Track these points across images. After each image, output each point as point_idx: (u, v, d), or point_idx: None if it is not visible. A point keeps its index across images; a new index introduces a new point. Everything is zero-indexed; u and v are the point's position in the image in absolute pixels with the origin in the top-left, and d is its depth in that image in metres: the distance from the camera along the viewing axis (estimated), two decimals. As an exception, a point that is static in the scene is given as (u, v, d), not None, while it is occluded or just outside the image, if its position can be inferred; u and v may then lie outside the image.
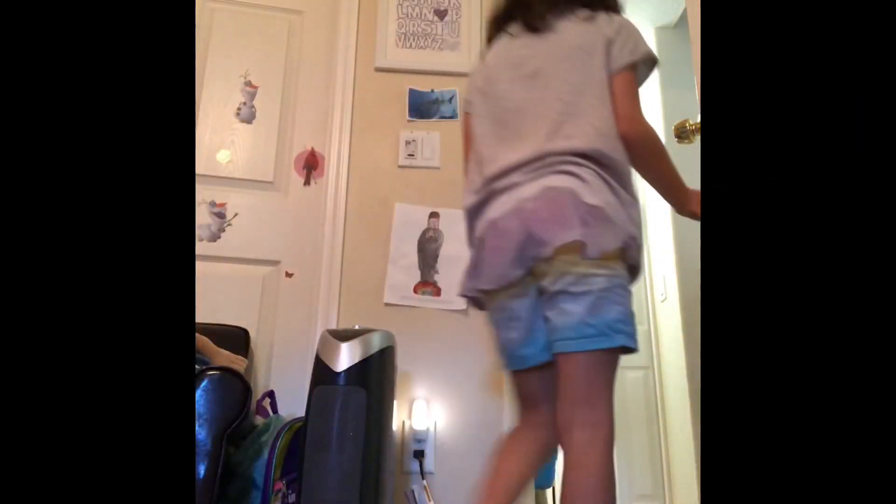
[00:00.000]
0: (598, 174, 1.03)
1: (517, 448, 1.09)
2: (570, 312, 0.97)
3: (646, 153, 1.11)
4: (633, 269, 1.06)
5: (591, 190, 1.00)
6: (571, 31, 1.16)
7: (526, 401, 1.12)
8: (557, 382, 1.00)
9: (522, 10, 1.22)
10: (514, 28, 1.22)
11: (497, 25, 1.27)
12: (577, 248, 0.97)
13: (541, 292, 1.02)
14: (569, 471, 0.96)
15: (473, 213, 1.13)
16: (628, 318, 1.00)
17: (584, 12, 1.17)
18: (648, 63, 1.16)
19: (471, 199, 1.12)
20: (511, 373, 1.13)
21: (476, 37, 2.10)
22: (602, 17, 1.16)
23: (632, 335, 1.00)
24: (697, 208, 1.11)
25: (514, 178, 1.06)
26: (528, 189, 1.03)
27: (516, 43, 1.21)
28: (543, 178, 1.03)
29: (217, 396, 1.28)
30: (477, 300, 1.14)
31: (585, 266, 0.97)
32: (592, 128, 1.05)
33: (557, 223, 0.98)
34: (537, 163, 1.05)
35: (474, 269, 1.10)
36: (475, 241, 1.12)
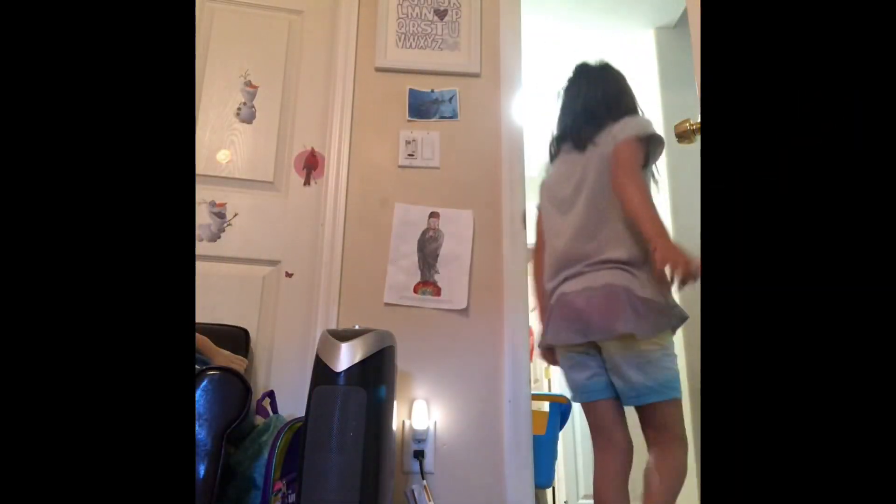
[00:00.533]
0: (644, 271, 1.36)
1: (607, 472, 1.42)
2: (633, 380, 1.33)
3: (625, 209, 1.38)
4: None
5: (642, 284, 1.33)
6: (603, 142, 1.49)
7: (596, 428, 1.47)
8: (642, 422, 1.40)
9: (571, 133, 1.60)
10: (567, 146, 1.61)
11: (557, 143, 1.67)
12: (632, 335, 1.30)
13: (602, 352, 1.39)
14: (650, 475, 1.36)
15: (550, 293, 1.50)
16: (677, 378, 1.36)
17: (613, 124, 1.50)
18: (654, 141, 1.49)
19: (549, 285, 1.51)
20: (583, 405, 1.49)
21: (476, 37, 2.10)
22: (620, 121, 1.49)
23: (679, 390, 1.37)
24: (659, 262, 1.27)
25: (580, 268, 1.41)
26: (592, 279, 1.38)
27: (568, 158, 1.59)
28: (603, 271, 1.37)
29: (217, 396, 1.28)
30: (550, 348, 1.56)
31: (640, 344, 1.31)
32: (627, 242, 1.38)
33: (615, 316, 1.31)
34: (596, 261, 1.39)
35: (545, 329, 1.51)
36: (548, 308, 1.51)
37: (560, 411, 2.15)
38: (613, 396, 1.40)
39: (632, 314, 1.29)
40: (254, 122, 2.03)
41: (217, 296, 1.82)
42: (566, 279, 1.43)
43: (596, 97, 1.58)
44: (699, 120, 1.54)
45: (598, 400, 1.42)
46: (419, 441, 1.68)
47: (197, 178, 1.83)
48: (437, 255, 1.87)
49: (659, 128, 2.97)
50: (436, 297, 1.83)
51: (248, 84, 2.06)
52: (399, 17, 2.11)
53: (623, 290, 1.32)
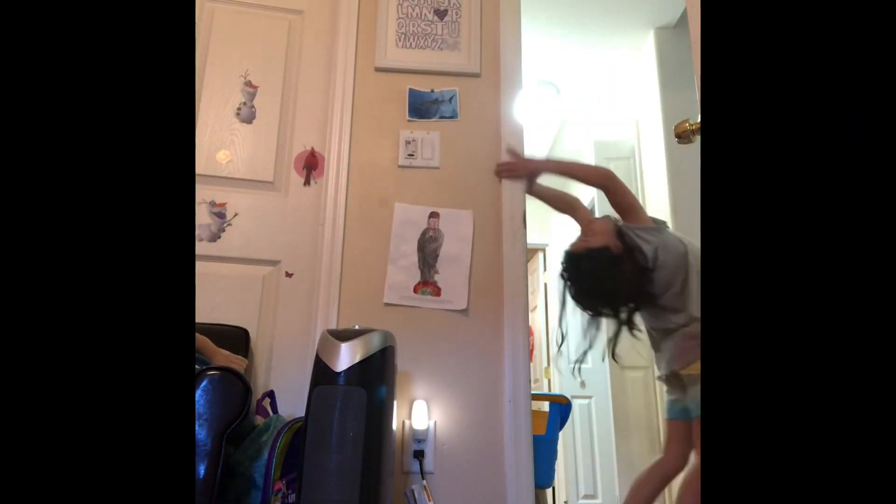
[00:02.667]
0: None
1: (653, 474, 1.83)
2: (694, 396, 1.68)
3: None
4: None
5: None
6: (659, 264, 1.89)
7: (666, 438, 1.89)
8: (696, 435, 1.73)
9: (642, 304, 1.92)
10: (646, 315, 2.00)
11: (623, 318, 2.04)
12: (691, 364, 1.71)
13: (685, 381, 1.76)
14: (692, 479, 1.68)
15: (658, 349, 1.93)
16: None
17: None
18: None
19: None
20: (665, 421, 1.92)
21: (476, 37, 2.10)
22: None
23: None
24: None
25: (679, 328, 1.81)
26: (682, 332, 1.74)
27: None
28: (686, 327, 1.74)
29: (217, 396, 1.28)
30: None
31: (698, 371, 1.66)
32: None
33: (685, 355, 1.71)
34: (683, 322, 1.76)
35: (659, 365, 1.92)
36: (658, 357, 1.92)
37: (560, 411, 2.15)
38: (684, 419, 1.77)
39: (696, 352, 1.70)
40: (254, 122, 2.03)
41: (217, 296, 1.82)
42: (662, 337, 1.86)
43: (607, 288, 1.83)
44: (699, 120, 1.54)
45: (672, 419, 1.83)
46: (419, 441, 1.68)
47: (197, 178, 1.83)
48: (437, 255, 1.87)
49: (659, 128, 2.97)
50: (436, 298, 1.83)
51: (248, 84, 2.06)
52: (399, 17, 2.11)
53: (690, 334, 1.72)
